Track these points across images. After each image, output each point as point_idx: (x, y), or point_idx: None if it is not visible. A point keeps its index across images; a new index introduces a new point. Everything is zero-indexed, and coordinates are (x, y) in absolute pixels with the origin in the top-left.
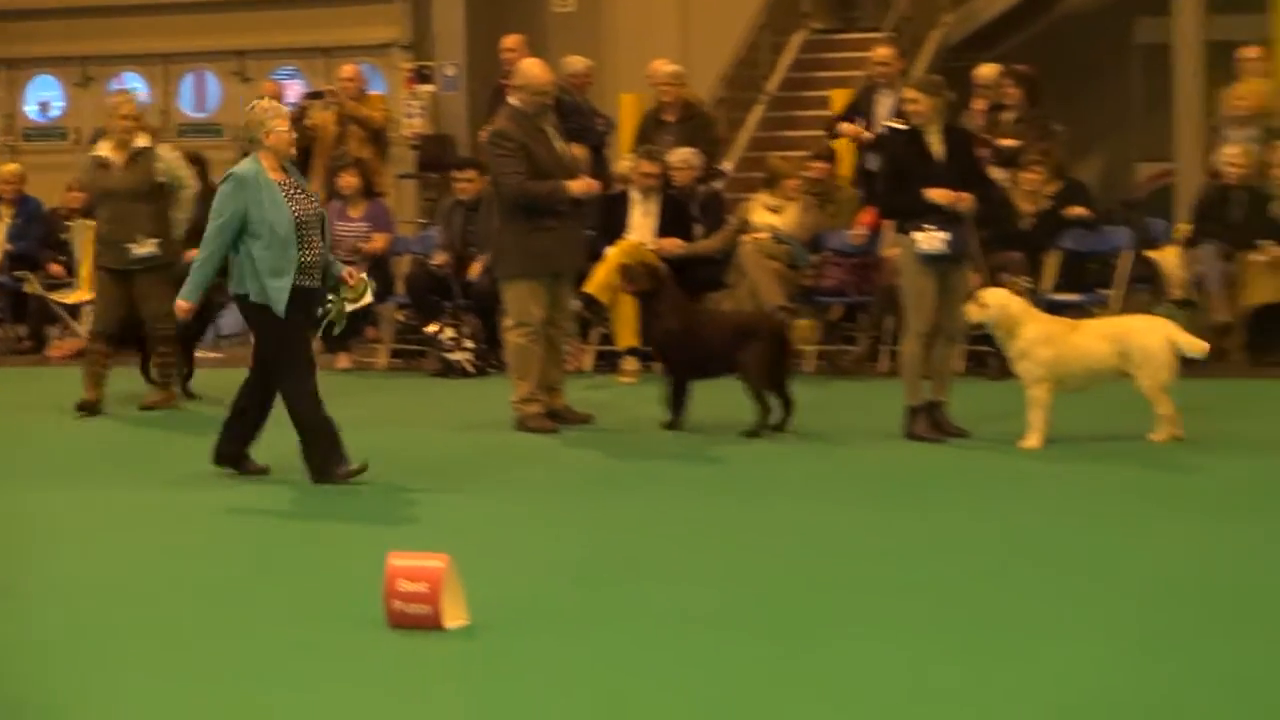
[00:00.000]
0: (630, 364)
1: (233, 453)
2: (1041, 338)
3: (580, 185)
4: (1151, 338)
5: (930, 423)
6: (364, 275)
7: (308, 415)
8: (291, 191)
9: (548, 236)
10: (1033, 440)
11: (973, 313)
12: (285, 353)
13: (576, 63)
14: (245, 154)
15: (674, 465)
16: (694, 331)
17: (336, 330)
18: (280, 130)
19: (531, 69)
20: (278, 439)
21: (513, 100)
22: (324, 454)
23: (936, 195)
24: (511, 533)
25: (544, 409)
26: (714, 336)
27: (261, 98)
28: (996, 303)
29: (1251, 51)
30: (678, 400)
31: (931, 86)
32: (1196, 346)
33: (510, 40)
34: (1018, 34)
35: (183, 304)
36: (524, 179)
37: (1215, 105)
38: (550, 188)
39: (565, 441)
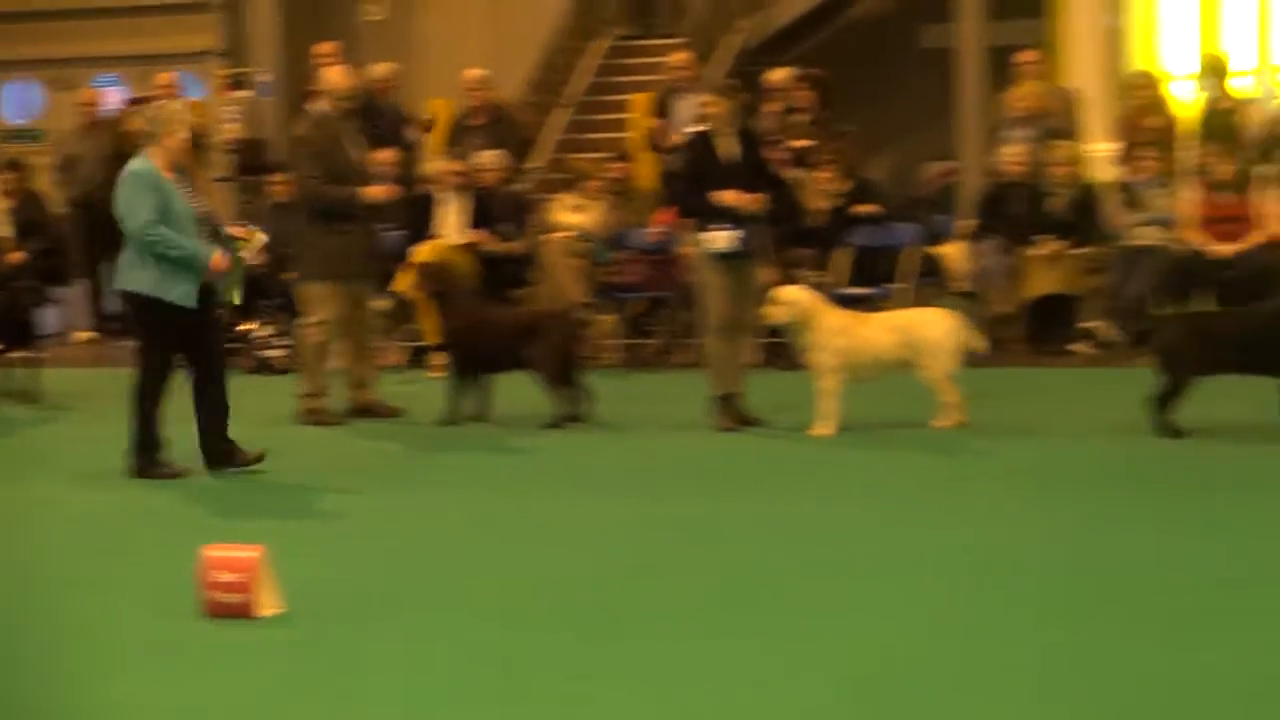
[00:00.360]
0: (439, 359)
1: (219, 451)
2: (833, 330)
3: (376, 191)
4: (935, 329)
5: (730, 413)
6: (253, 228)
7: (148, 410)
8: (182, 190)
9: (343, 239)
10: (824, 428)
11: (771, 314)
12: (161, 346)
13: (380, 69)
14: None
15: (482, 457)
16: (483, 329)
17: (237, 290)
18: (181, 136)
19: (332, 75)
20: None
21: (315, 105)
22: (145, 448)
23: (726, 197)
24: (322, 524)
25: (324, 404)
26: (503, 333)
27: (163, 99)
28: (791, 297)
29: (1028, 56)
30: (460, 396)
31: (726, 90)
32: (974, 342)
33: (323, 48)
34: (810, 39)
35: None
36: (321, 183)
37: (996, 107)
38: (347, 193)
39: (372, 435)
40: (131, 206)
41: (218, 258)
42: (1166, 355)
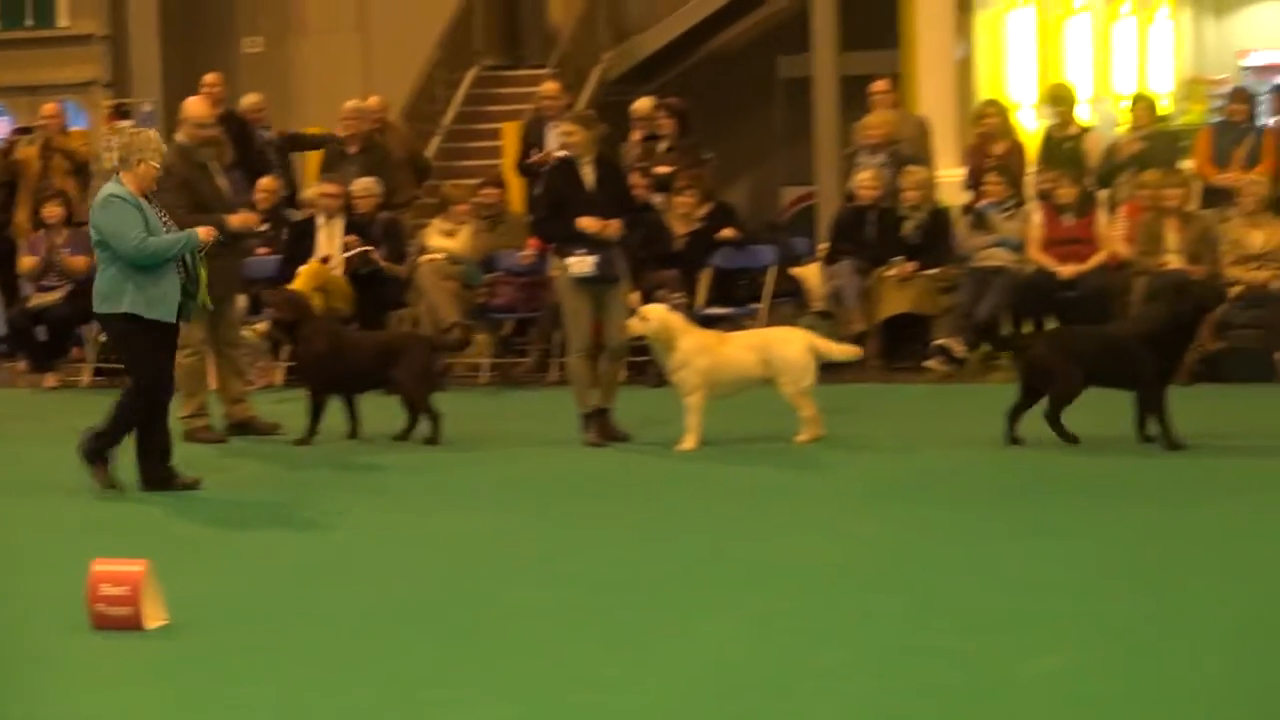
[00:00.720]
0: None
1: (160, 475)
2: (696, 349)
3: (239, 220)
4: (792, 347)
5: (599, 429)
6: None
7: (137, 418)
8: (152, 214)
9: (208, 264)
10: (689, 443)
11: (634, 326)
12: (153, 364)
13: (249, 98)
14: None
15: (360, 474)
16: (339, 353)
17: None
18: (152, 165)
19: (192, 106)
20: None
21: (178, 136)
22: (108, 448)
23: (584, 224)
24: (208, 538)
25: (208, 422)
26: (360, 357)
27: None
28: (656, 317)
29: (881, 85)
30: (316, 418)
31: (586, 120)
32: (844, 351)
33: (209, 78)
34: (672, 69)
35: None
36: (185, 211)
37: (851, 134)
38: (211, 220)
39: (253, 452)
40: (119, 228)
41: (204, 230)
42: (1035, 370)
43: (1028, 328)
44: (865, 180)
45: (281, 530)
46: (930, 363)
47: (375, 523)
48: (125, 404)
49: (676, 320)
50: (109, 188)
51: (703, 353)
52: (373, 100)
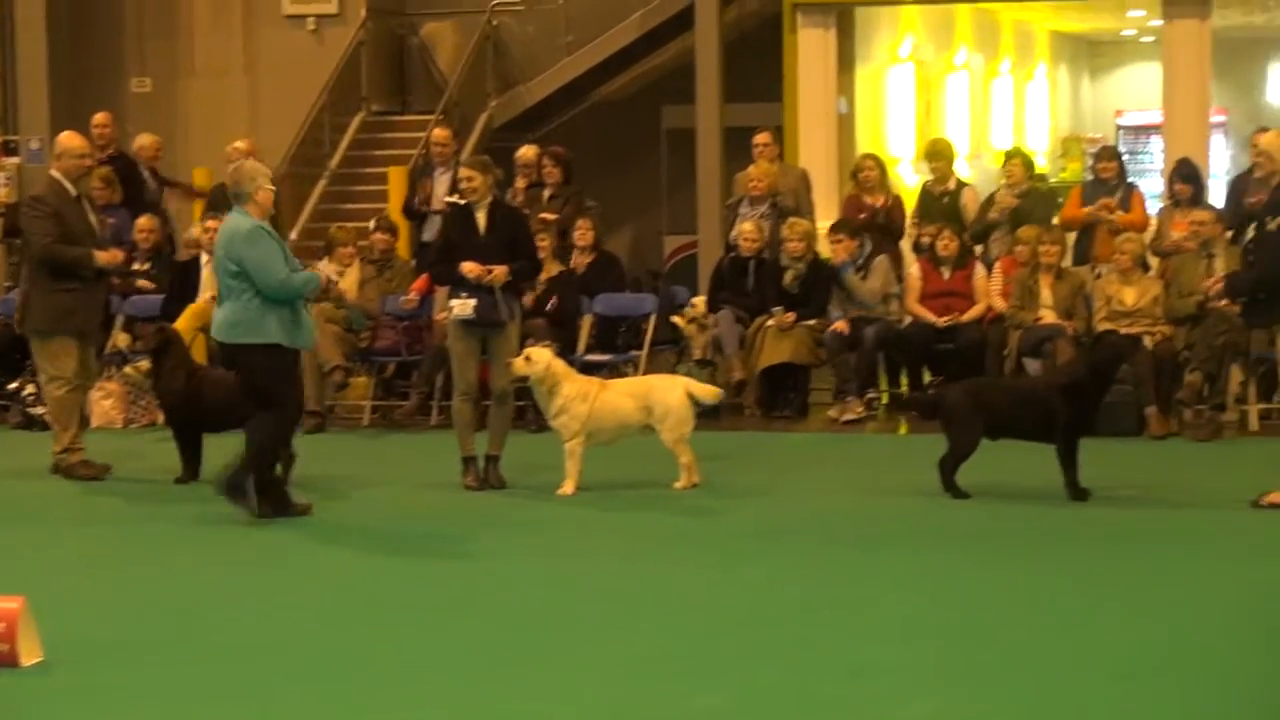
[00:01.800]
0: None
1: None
2: (578, 395)
3: (106, 256)
4: (671, 394)
5: (477, 473)
6: None
7: (277, 443)
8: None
9: (71, 297)
10: (568, 488)
11: (519, 366)
12: (285, 391)
13: (142, 138)
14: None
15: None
16: (199, 391)
17: None
18: (268, 188)
19: (67, 140)
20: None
21: (53, 170)
22: (253, 476)
23: (465, 268)
24: (80, 576)
25: (84, 456)
26: (219, 396)
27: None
28: (542, 360)
29: (763, 137)
30: (188, 455)
31: (484, 165)
32: (710, 393)
33: (99, 117)
34: (558, 117)
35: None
36: (52, 242)
37: (733, 185)
38: (77, 254)
39: (125, 490)
40: (267, 262)
41: (324, 279)
42: (952, 421)
43: (904, 380)
44: (747, 231)
45: (155, 566)
46: (832, 411)
47: (243, 559)
48: (263, 432)
49: (560, 365)
50: (242, 221)
51: (583, 399)
52: (241, 143)
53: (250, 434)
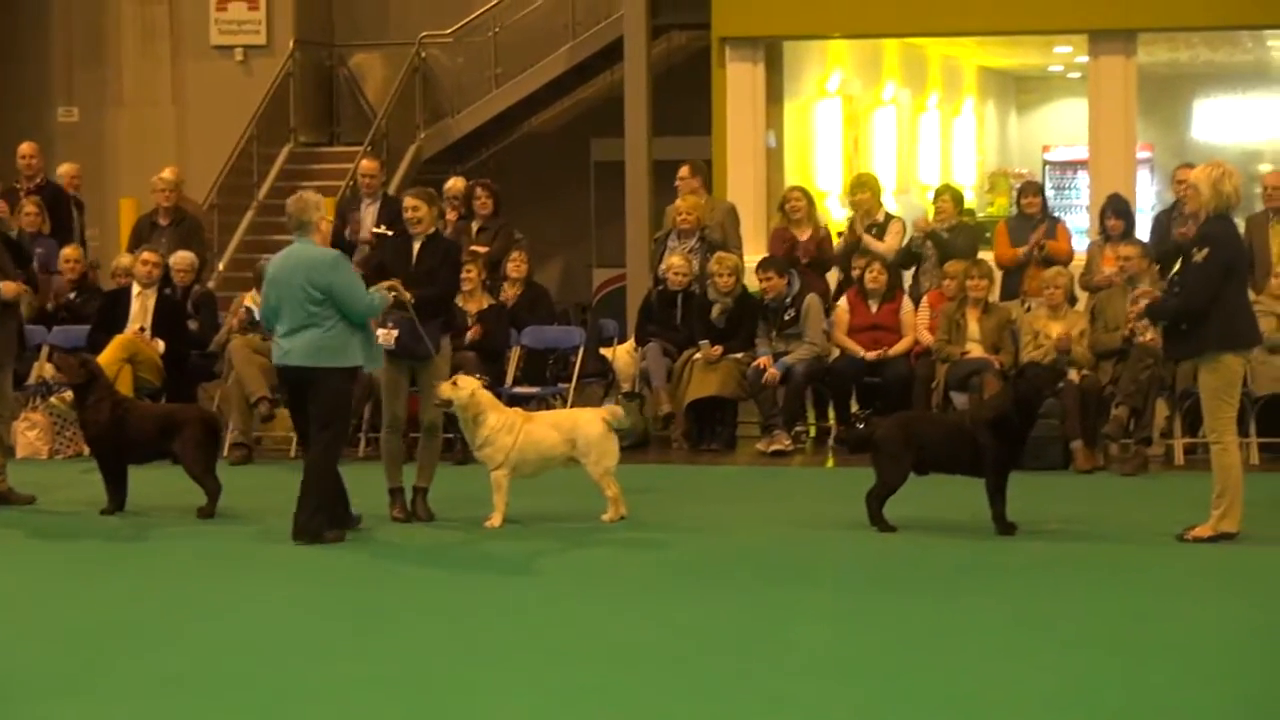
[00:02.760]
0: None
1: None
2: (503, 426)
3: (10, 289)
4: (596, 427)
5: (403, 505)
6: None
7: (335, 460)
8: None
9: None
10: (496, 520)
11: (445, 390)
12: (349, 414)
13: (63, 167)
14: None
15: (149, 545)
16: (123, 422)
17: None
18: (328, 218)
19: None
20: None
21: None
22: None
23: (377, 287)
24: None
25: (8, 485)
26: (143, 427)
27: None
28: (468, 387)
29: (685, 171)
30: (114, 486)
31: (429, 197)
32: (614, 414)
33: (25, 148)
34: (487, 149)
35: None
36: None
37: (663, 218)
38: None
39: (17, 523)
40: (355, 288)
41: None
42: (881, 455)
43: (831, 413)
44: (676, 265)
45: (68, 599)
46: (760, 444)
47: (149, 593)
48: (326, 455)
49: (486, 395)
50: (318, 250)
51: (509, 430)
52: (169, 172)
53: (313, 457)
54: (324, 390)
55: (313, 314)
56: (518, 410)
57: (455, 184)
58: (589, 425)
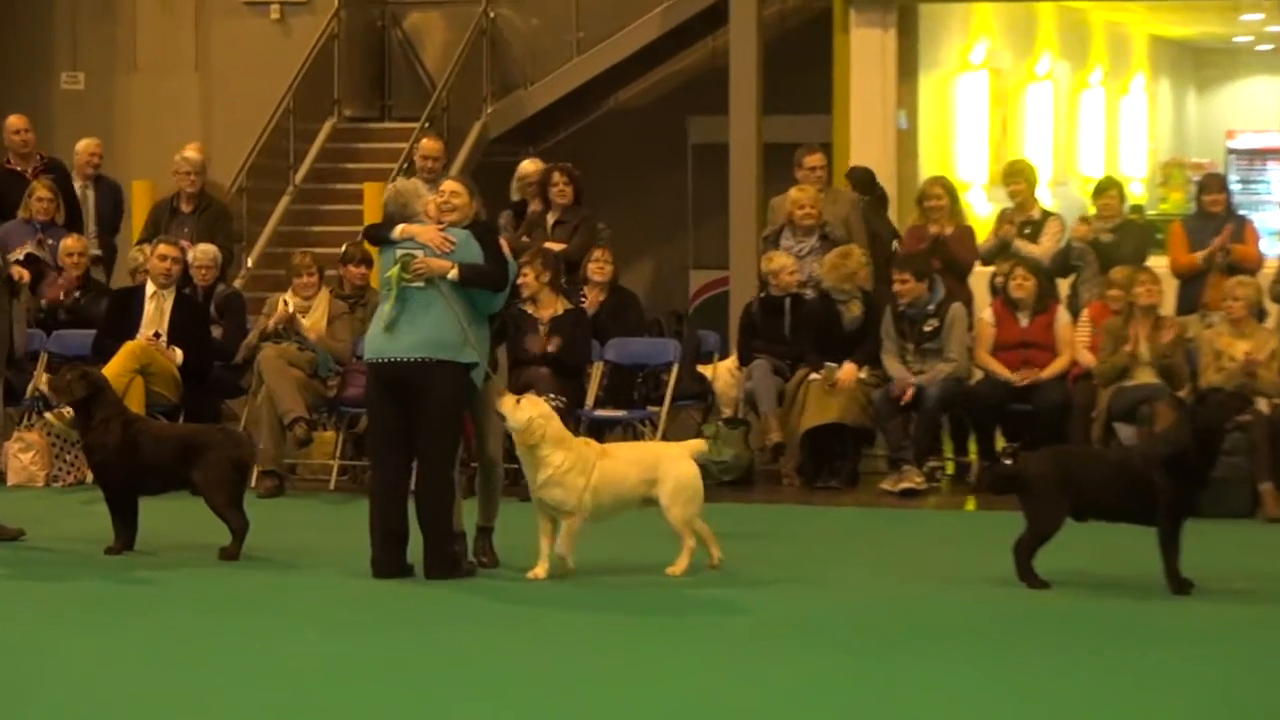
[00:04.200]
0: None
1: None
2: (574, 465)
3: None
4: (682, 465)
5: (463, 550)
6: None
7: (453, 484)
8: None
9: None
10: (543, 568)
11: (504, 405)
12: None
13: (82, 144)
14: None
15: (128, 588)
16: (134, 445)
17: None
18: (435, 202)
19: None
20: None
21: None
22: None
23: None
24: None
25: None
26: (157, 452)
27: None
28: (530, 411)
29: (813, 159)
30: (122, 521)
31: (472, 187)
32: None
33: (15, 120)
34: (565, 128)
35: None
36: None
37: (771, 211)
38: None
39: (32, 560)
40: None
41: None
42: (1032, 497)
43: (972, 446)
44: (780, 264)
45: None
46: (886, 482)
47: (166, 651)
48: (447, 476)
49: (554, 425)
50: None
51: (581, 469)
52: (192, 150)
53: (432, 470)
54: (455, 387)
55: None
56: (588, 442)
57: (530, 167)
58: (675, 464)
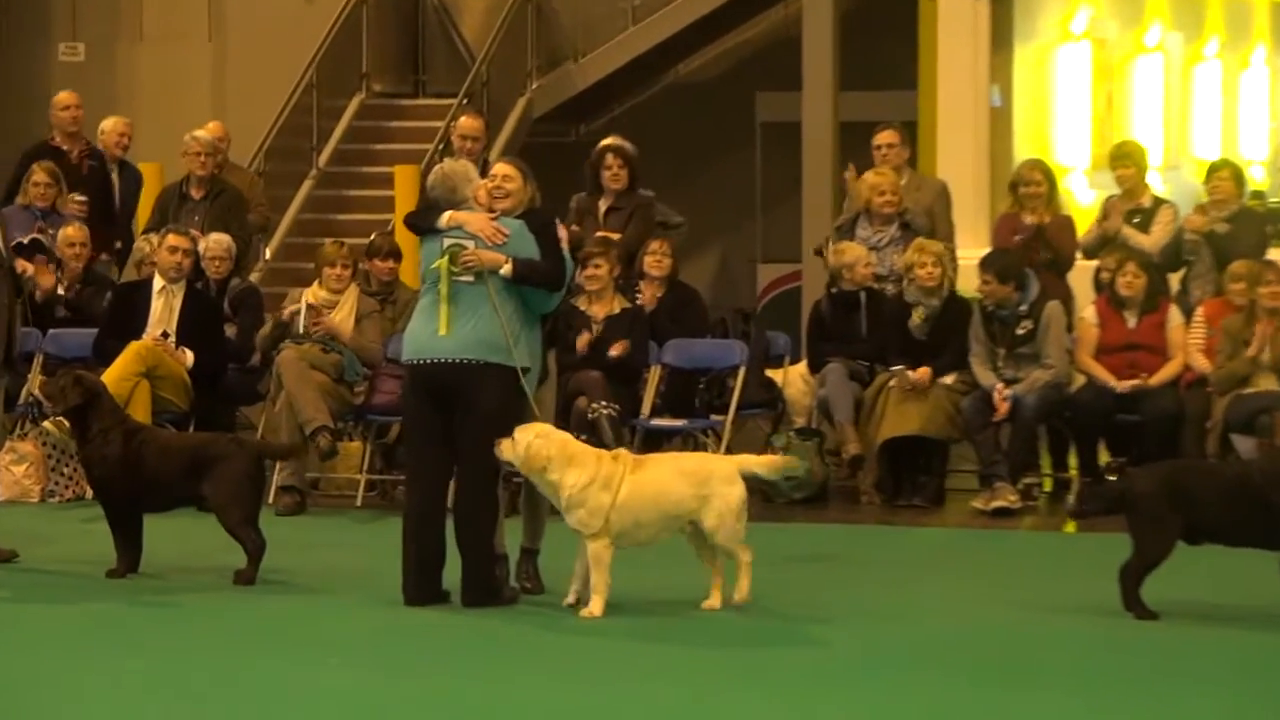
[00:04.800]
0: None
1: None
2: (594, 480)
3: None
4: (734, 486)
5: (505, 573)
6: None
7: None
8: None
9: None
10: (595, 608)
11: (505, 450)
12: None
13: (109, 122)
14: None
15: (132, 614)
16: (138, 457)
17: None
18: (486, 187)
19: None
20: None
21: None
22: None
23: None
24: None
25: None
26: (164, 464)
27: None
28: (532, 435)
29: (888, 136)
30: (125, 540)
31: (525, 170)
32: (769, 464)
33: (64, 96)
34: (619, 105)
35: None
36: None
37: (847, 198)
38: None
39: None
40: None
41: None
42: (1140, 518)
43: (1072, 461)
44: (850, 254)
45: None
46: (977, 500)
47: (173, 683)
48: (490, 491)
49: (557, 442)
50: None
51: (603, 484)
52: (207, 129)
53: (481, 499)
54: (506, 394)
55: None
56: (617, 454)
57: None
58: (728, 485)
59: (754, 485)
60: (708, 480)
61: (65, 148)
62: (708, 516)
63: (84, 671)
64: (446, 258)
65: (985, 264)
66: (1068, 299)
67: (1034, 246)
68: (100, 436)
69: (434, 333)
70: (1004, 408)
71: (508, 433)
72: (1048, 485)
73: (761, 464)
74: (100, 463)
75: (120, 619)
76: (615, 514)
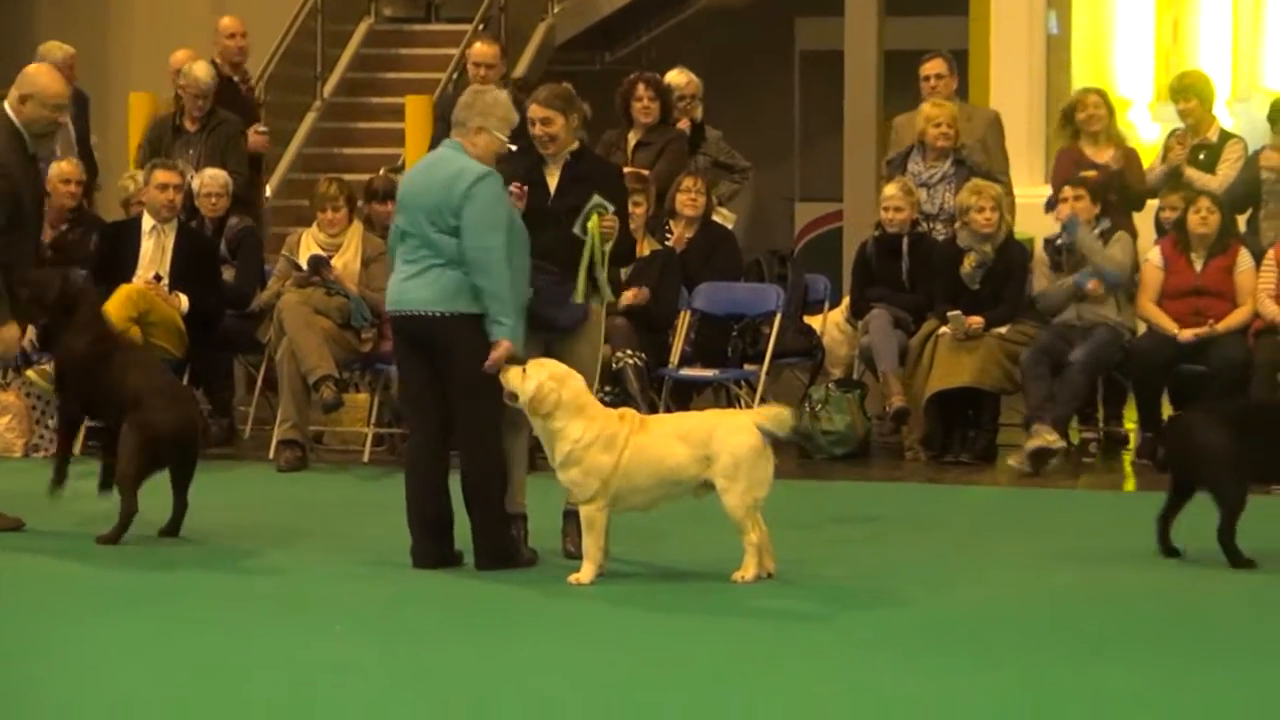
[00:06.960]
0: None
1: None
2: (596, 440)
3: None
4: (741, 438)
5: (525, 536)
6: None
7: (502, 456)
8: None
9: None
10: (586, 573)
11: (512, 378)
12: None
13: (56, 50)
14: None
15: (126, 576)
16: (109, 362)
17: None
18: (498, 136)
19: (43, 76)
20: None
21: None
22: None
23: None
24: None
25: None
26: (134, 379)
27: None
28: (537, 380)
29: (936, 65)
30: (65, 446)
31: (565, 100)
32: (780, 418)
33: (229, 23)
34: (648, 31)
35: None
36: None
37: (892, 132)
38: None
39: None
40: (494, 217)
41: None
42: (1184, 462)
43: (1131, 411)
44: (891, 195)
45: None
46: (1012, 459)
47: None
48: (491, 447)
49: (571, 389)
50: (470, 162)
51: (606, 444)
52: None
53: (474, 443)
54: (464, 346)
55: (442, 249)
56: (624, 413)
57: (680, 78)
58: (735, 436)
59: (792, 441)
60: (708, 439)
61: (235, 77)
62: (717, 477)
63: (77, 640)
64: (594, 218)
65: (1076, 181)
66: (1134, 238)
67: (1109, 186)
68: (75, 333)
69: (401, 280)
70: (1094, 284)
71: (495, 385)
72: (1104, 439)
73: (771, 417)
74: (70, 358)
75: (113, 580)
76: (615, 478)
